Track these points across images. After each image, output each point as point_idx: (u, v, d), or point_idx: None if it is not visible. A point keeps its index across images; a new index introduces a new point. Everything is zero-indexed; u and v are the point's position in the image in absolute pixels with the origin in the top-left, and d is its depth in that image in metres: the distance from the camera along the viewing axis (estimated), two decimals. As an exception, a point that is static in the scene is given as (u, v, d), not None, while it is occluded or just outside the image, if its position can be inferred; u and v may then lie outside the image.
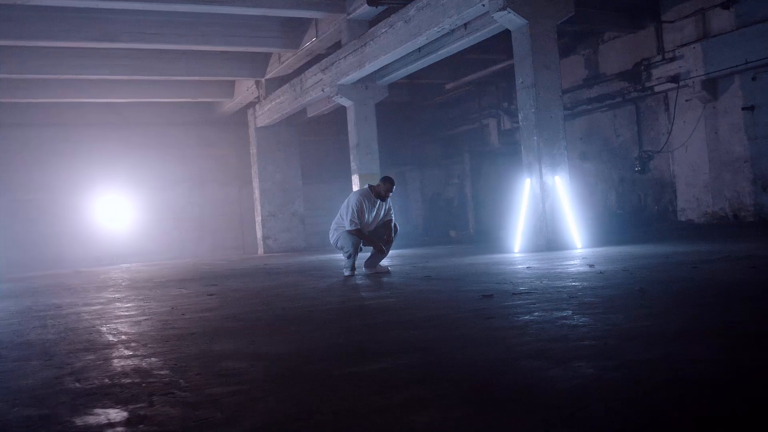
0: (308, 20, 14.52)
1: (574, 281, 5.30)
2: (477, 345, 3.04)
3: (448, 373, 2.50)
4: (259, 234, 18.26)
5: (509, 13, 9.25)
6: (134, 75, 16.02)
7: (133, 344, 3.68)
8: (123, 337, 4.00)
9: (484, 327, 3.47)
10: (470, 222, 18.51)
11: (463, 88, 18.32)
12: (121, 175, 19.13)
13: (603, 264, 6.76)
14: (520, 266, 7.28)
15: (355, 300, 5.26)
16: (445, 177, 21.33)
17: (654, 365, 2.37)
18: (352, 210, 7.60)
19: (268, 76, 16.98)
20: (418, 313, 4.18)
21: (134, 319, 4.90)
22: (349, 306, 4.91)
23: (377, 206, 7.75)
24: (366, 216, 7.65)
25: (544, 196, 9.50)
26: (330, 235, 7.89)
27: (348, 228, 7.59)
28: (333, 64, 13.73)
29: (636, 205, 14.95)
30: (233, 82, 18.75)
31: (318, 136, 18.82)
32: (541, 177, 9.51)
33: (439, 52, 11.96)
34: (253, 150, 18.37)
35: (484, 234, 16.59)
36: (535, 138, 9.55)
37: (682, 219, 13.80)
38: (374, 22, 12.76)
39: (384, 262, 8.18)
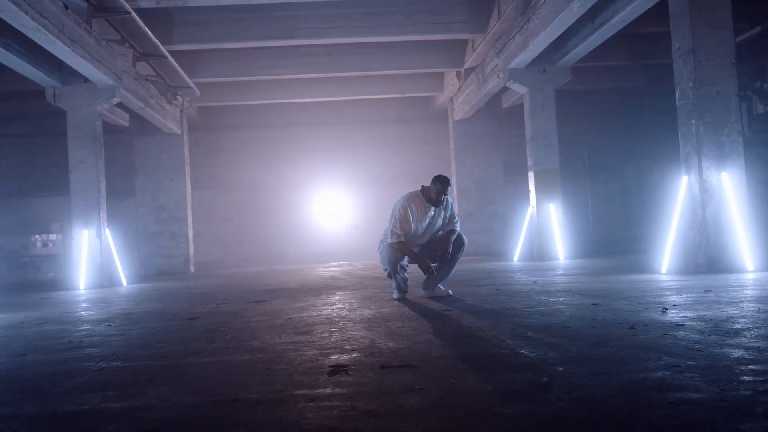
0: (491, 0, 12.95)
1: (593, 341, 3.46)
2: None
3: None
4: (456, 235, 16.98)
5: (655, -43, 7.02)
6: (328, 72, 15.73)
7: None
8: None
9: None
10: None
11: (703, 67, 15.20)
12: (338, 173, 19.18)
13: (718, 303, 4.61)
14: (587, 301, 5.27)
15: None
16: (689, 172, 18.07)
17: None
18: (395, 219, 6.17)
19: (466, 66, 15.64)
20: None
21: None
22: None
23: (431, 213, 6.19)
24: (413, 225, 6.15)
25: (704, 200, 7.06)
26: (378, 248, 6.52)
27: (390, 240, 6.18)
28: (505, 46, 12.04)
29: None
30: (442, 74, 17.72)
31: (520, 128, 17.00)
32: (700, 174, 7.08)
33: (611, 21, 9.71)
34: (451, 145, 17.16)
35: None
36: (693, 121, 7.14)
37: None
38: (545, -7, 10.84)
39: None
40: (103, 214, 11.63)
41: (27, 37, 9.31)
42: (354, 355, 3.36)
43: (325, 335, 4.13)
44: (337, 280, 9.91)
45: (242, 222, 18.84)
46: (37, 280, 16.55)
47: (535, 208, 12.20)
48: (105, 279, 11.48)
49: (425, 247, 6.28)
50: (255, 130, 18.94)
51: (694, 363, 2.77)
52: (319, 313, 5.48)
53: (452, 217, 6.34)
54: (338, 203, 19.34)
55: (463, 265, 12.26)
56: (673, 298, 5.09)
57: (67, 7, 9.66)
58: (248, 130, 18.94)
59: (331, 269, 13.66)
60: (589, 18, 10.24)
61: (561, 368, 2.79)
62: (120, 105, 13.76)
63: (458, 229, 6.35)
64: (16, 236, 18.62)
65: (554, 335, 3.69)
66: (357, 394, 2.51)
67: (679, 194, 7.32)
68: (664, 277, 6.97)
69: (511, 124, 16.96)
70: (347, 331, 4.28)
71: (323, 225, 19.27)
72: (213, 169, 18.77)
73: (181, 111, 16.38)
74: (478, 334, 3.85)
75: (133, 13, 11.13)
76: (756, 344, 3.13)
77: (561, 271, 9.08)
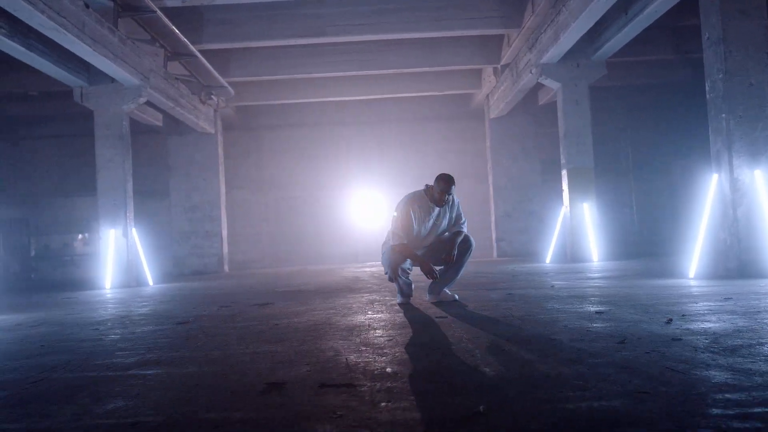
0: (524, -7, 12.55)
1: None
2: None
3: None
4: (493, 235, 16.55)
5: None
6: (362, 70, 15.49)
7: None
8: None
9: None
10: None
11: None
12: (374, 172, 18.96)
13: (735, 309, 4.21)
14: (592, 309, 4.91)
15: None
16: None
17: None
18: (395, 220, 5.87)
19: (502, 62, 15.22)
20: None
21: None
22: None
23: (435, 214, 5.87)
24: (415, 227, 5.85)
25: (735, 199, 6.58)
26: (381, 251, 6.23)
27: (391, 243, 5.88)
28: (537, 40, 11.62)
29: None
30: (480, 71, 17.32)
31: (557, 126, 16.51)
32: (731, 171, 6.60)
33: (645, 12, 9.22)
34: (487, 143, 16.73)
35: None
36: (724, 116, 6.66)
37: None
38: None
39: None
40: (130, 214, 11.64)
41: (50, 38, 9.33)
42: (304, 369, 3.10)
43: (296, 344, 3.88)
44: (358, 282, 9.67)
45: (278, 221, 18.80)
46: (76, 278, 16.78)
47: (568, 208, 11.75)
48: (131, 279, 11.49)
49: (430, 249, 5.97)
50: (290, 129, 18.86)
51: (665, 389, 2.42)
52: (311, 318, 5.24)
53: (459, 217, 6.01)
54: (375, 202, 19.08)
55: (490, 267, 11.91)
56: (687, 307, 4.69)
57: (88, 6, 9.65)
58: (283, 129, 18.88)
59: (361, 270, 13.45)
60: (622, 10, 9.79)
61: (511, 392, 2.48)
62: (152, 105, 13.80)
63: (465, 230, 6.02)
64: (59, 235, 18.96)
65: (534, 349, 3.36)
66: (269, 421, 2.25)
67: (709, 194, 6.84)
68: (691, 282, 6.51)
69: (547, 122, 16.46)
70: (322, 340, 4.02)
71: (360, 224, 19.05)
72: (249, 169, 18.78)
73: (215, 110, 16.37)
74: (453, 347, 3.55)
75: (159, 12, 11.09)
76: (749, 365, 2.75)
77: (588, 275, 8.65)
